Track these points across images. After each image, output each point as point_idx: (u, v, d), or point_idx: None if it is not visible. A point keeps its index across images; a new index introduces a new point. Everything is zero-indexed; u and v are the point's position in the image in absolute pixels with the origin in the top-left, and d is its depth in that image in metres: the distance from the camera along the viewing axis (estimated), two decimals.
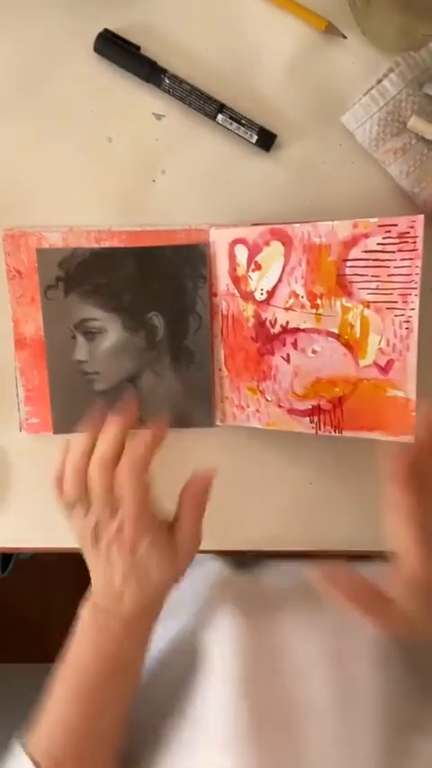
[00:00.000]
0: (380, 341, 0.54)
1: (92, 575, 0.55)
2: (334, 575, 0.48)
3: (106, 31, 0.54)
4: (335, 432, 0.57)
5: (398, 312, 0.53)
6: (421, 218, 0.51)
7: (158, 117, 0.56)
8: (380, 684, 0.53)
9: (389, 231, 0.52)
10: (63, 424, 0.61)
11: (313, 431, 0.58)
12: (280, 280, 0.56)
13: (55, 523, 0.63)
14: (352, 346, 0.55)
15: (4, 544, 0.65)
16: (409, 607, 0.46)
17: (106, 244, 0.58)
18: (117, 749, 0.54)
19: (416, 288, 0.52)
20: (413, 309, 0.52)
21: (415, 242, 0.51)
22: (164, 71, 0.54)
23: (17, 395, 0.60)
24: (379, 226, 0.52)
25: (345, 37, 0.54)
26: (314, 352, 0.56)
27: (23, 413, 0.60)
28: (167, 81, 0.54)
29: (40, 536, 0.65)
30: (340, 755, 0.48)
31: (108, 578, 0.53)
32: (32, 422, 0.61)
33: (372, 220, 0.52)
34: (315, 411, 0.57)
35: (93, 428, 0.54)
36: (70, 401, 0.60)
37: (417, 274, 0.52)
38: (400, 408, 0.54)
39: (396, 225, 0.51)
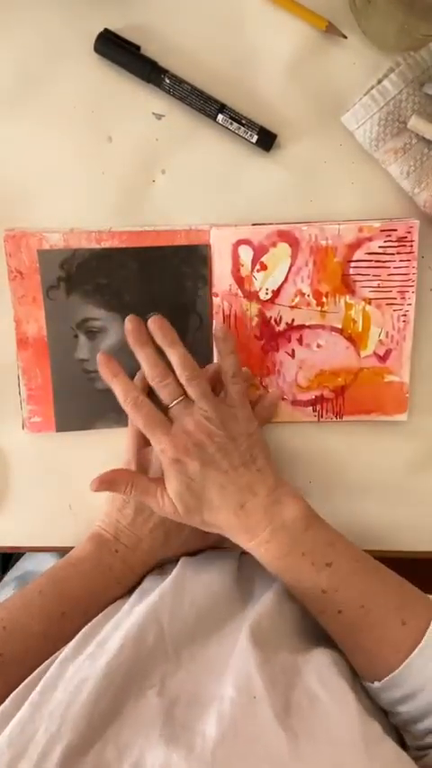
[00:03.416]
0: (380, 333, 0.59)
1: (121, 510, 0.59)
2: (109, 475, 0.55)
3: (106, 30, 0.54)
4: (336, 418, 0.61)
5: (396, 307, 0.58)
6: (417, 223, 0.57)
7: (158, 117, 0.56)
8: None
9: (389, 235, 0.57)
10: (66, 421, 0.61)
11: (315, 419, 0.61)
12: (286, 279, 0.58)
13: (55, 523, 0.64)
14: (354, 339, 0.60)
15: (4, 544, 0.65)
16: (170, 488, 0.53)
17: (107, 244, 0.58)
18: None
19: (413, 285, 0.58)
20: (410, 304, 0.59)
21: (412, 245, 0.57)
22: (164, 71, 0.54)
23: (20, 394, 0.60)
24: (381, 230, 0.57)
25: (345, 37, 0.54)
26: (319, 346, 0.60)
27: (26, 411, 0.61)
28: (168, 81, 0.54)
29: (40, 536, 0.65)
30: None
31: (142, 519, 0.58)
32: (35, 420, 0.61)
33: (375, 225, 0.57)
34: (318, 400, 0.61)
35: None
36: (73, 399, 0.61)
37: (413, 273, 0.58)
38: (395, 391, 0.61)
39: (396, 230, 0.57)
